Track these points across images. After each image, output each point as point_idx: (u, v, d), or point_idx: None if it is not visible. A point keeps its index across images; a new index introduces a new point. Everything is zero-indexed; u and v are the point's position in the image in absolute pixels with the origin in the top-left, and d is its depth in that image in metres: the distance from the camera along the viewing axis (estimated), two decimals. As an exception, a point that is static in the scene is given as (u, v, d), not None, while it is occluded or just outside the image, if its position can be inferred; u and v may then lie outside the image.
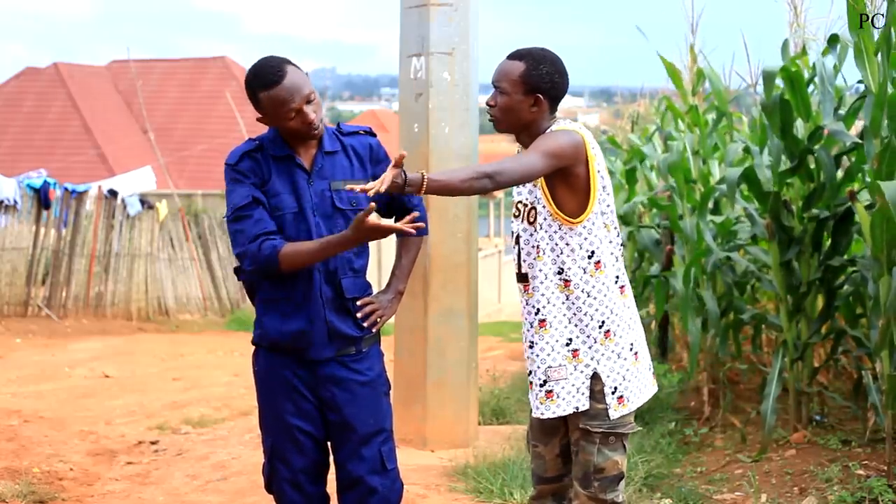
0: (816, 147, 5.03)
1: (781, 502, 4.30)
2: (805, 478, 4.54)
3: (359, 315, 2.87)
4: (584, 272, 2.73)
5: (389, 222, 2.66)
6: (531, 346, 2.79)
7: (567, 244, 2.72)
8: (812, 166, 5.12)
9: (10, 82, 25.34)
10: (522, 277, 2.80)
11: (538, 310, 2.76)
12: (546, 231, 2.73)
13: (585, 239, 2.73)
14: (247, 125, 18.63)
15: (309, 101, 2.78)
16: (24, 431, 5.88)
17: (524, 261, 2.78)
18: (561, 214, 2.71)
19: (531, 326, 2.79)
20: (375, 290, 3.02)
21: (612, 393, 2.74)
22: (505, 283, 21.62)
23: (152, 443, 5.80)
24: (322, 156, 2.87)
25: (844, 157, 5.18)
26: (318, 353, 2.85)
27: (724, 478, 4.73)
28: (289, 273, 2.81)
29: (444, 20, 5.18)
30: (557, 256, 2.72)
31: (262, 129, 2.98)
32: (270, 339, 2.89)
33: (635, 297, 6.82)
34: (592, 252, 2.74)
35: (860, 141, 4.65)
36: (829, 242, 5.16)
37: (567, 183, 2.70)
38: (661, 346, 7.13)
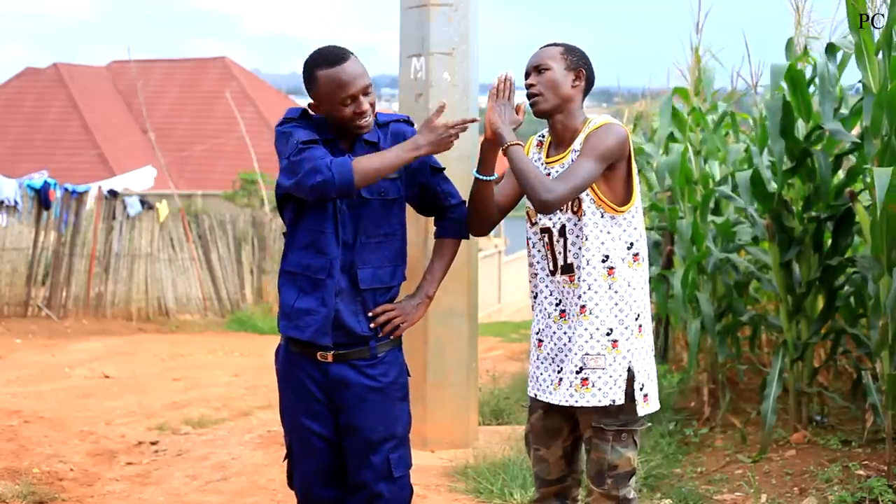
0: (815, 148, 5.04)
1: (781, 502, 4.30)
2: (805, 478, 4.55)
3: (372, 326, 2.81)
4: (623, 262, 2.76)
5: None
6: (564, 334, 2.78)
7: (609, 233, 2.75)
8: (812, 167, 5.13)
9: (10, 82, 25.37)
10: (568, 268, 2.79)
11: (579, 296, 2.75)
12: (591, 218, 2.74)
13: (625, 231, 2.77)
14: (247, 125, 18.64)
15: (366, 93, 2.74)
16: (24, 431, 5.88)
17: (569, 251, 2.78)
18: (605, 202, 2.75)
19: (565, 314, 2.78)
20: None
21: (640, 390, 2.76)
22: (505, 283, 21.61)
23: (152, 443, 5.80)
24: (361, 145, 2.82)
25: (847, 158, 5.18)
26: (317, 338, 2.79)
27: (724, 478, 4.73)
28: (316, 249, 2.77)
29: (444, 20, 5.18)
30: (602, 244, 2.74)
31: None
32: (283, 310, 2.85)
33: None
34: (632, 244, 2.79)
35: (860, 141, 4.65)
36: (829, 243, 5.16)
37: (604, 176, 2.75)
38: (661, 346, 7.13)
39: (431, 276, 2.94)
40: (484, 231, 2.97)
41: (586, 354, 2.73)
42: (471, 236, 3.01)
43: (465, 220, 2.97)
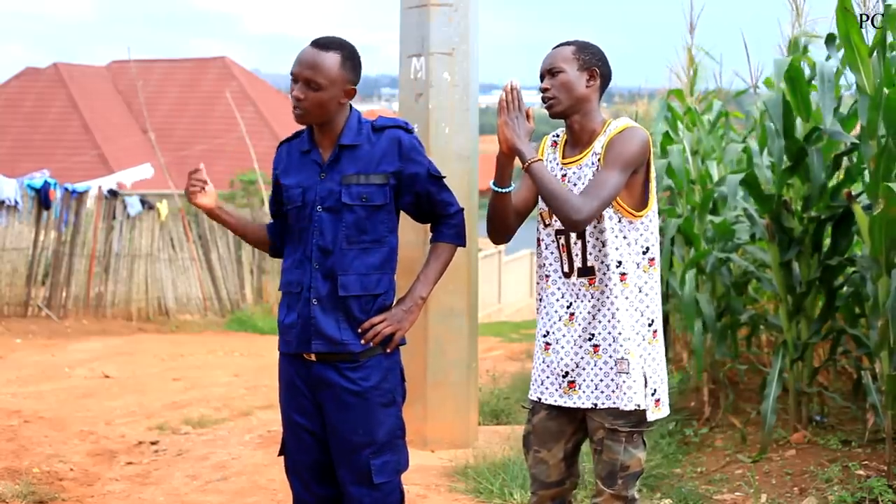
0: (815, 147, 5.03)
1: (781, 502, 4.30)
2: (805, 478, 4.55)
3: (363, 342, 2.79)
4: (638, 267, 2.75)
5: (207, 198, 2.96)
6: (591, 338, 2.75)
7: (625, 237, 2.74)
8: (811, 166, 5.12)
9: (10, 82, 25.36)
10: (587, 271, 2.77)
11: (602, 301, 2.74)
12: (608, 223, 2.73)
13: (641, 235, 2.76)
14: (246, 125, 18.62)
15: (308, 83, 2.74)
16: (24, 431, 5.88)
17: (590, 253, 2.76)
18: (624, 207, 2.73)
19: (594, 318, 2.75)
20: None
21: (652, 395, 2.76)
22: (505, 283, 21.60)
23: (152, 443, 5.80)
24: (338, 149, 2.82)
25: (846, 158, 5.18)
26: (296, 348, 2.83)
27: (724, 478, 4.73)
28: (291, 265, 2.86)
29: (444, 20, 5.18)
30: (616, 249, 2.73)
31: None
32: (279, 330, 2.90)
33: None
34: (647, 248, 2.77)
35: (857, 142, 4.64)
36: (828, 243, 5.16)
37: (625, 182, 2.73)
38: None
39: (425, 278, 2.91)
40: (504, 239, 2.94)
41: (610, 357, 2.72)
42: (471, 236, 2.99)
43: (463, 227, 2.97)
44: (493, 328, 14.26)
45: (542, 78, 2.83)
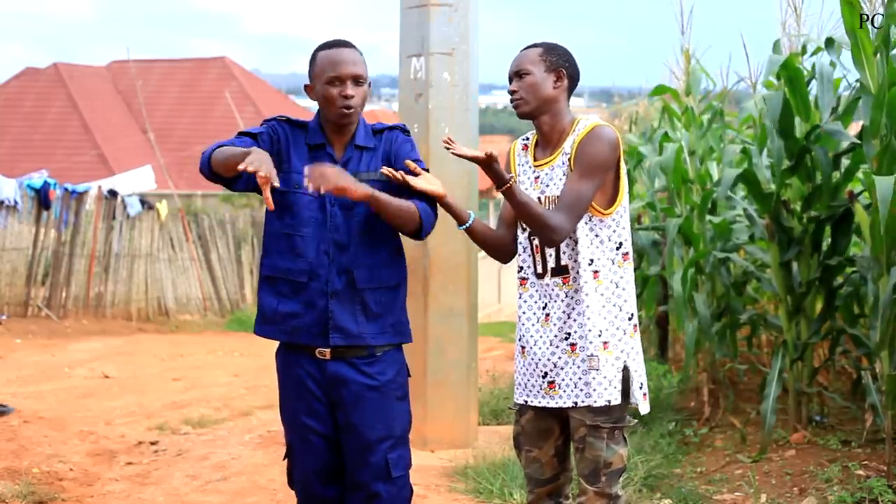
0: (815, 147, 5.03)
1: (781, 502, 4.31)
2: (805, 478, 4.55)
3: (306, 183, 2.62)
4: (612, 263, 2.79)
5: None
6: (567, 338, 2.78)
7: (597, 235, 2.78)
8: (811, 166, 5.12)
9: (10, 82, 25.33)
10: (561, 270, 2.80)
11: (577, 299, 2.77)
12: (580, 221, 2.76)
13: (614, 231, 2.80)
14: (246, 125, 18.61)
15: (357, 83, 2.80)
16: (24, 431, 5.88)
17: (563, 252, 2.80)
18: (593, 205, 2.77)
19: (569, 317, 2.78)
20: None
21: (640, 388, 2.79)
22: (505, 283, 21.60)
23: (152, 443, 5.80)
24: (353, 148, 2.87)
25: (843, 157, 5.18)
26: (311, 341, 2.81)
27: (724, 478, 4.73)
28: (293, 253, 2.80)
29: (444, 20, 5.18)
30: (587, 247, 2.77)
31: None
32: (265, 315, 2.86)
33: (636, 297, 6.78)
34: (620, 244, 2.81)
35: (858, 141, 4.65)
36: (828, 243, 5.16)
37: None
38: (661, 346, 7.13)
39: (384, 195, 2.74)
40: (508, 258, 3.01)
41: (589, 355, 2.74)
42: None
43: (430, 219, 2.85)
44: (493, 328, 14.24)
45: (510, 80, 2.87)
